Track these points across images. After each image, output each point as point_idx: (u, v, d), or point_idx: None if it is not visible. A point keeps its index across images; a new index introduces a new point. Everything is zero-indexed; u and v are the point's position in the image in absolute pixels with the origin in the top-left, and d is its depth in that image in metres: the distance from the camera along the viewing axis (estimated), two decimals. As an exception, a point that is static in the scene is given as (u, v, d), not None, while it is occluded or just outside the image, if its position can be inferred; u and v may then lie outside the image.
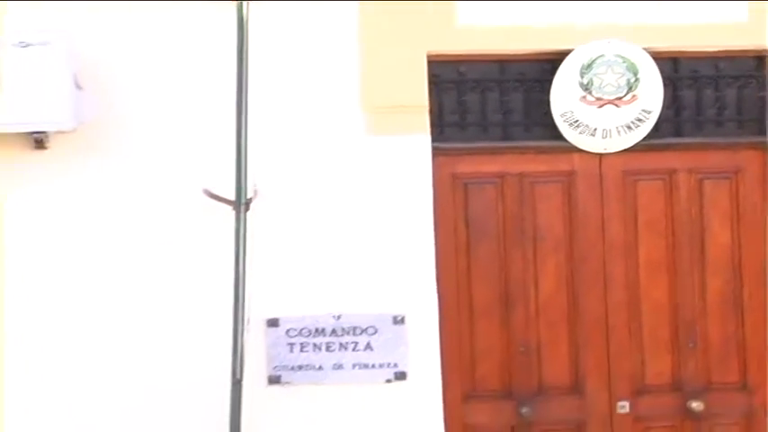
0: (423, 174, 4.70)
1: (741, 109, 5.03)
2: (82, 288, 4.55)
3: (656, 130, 4.90)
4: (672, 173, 4.98)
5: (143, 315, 4.55)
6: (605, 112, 4.84)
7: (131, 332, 4.55)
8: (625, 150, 4.89)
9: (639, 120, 4.86)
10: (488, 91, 4.93)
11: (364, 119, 4.69)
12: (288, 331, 4.62)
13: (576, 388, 4.90)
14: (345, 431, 4.61)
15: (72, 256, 4.56)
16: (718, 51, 4.95)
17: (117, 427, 4.54)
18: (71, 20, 4.52)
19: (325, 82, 4.69)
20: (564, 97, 4.83)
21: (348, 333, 4.64)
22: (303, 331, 4.62)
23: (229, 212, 4.36)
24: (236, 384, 4.27)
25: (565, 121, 4.84)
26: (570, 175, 4.93)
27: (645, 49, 4.83)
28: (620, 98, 4.84)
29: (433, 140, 4.75)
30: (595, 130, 4.85)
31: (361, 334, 4.64)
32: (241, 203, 4.35)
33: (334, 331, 4.64)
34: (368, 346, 4.64)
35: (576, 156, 4.91)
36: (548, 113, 4.86)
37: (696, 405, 4.89)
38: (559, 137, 4.87)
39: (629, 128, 4.86)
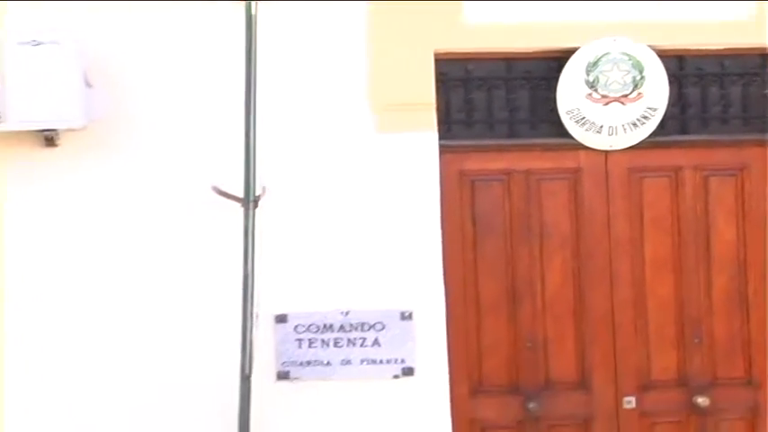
0: (430, 171, 4.72)
1: (746, 106, 5.05)
2: (92, 284, 4.58)
3: (662, 128, 4.92)
4: (677, 170, 5.00)
5: (153, 312, 4.58)
6: (611, 109, 4.85)
7: (141, 328, 4.57)
8: (631, 147, 4.91)
9: (645, 117, 4.88)
10: (495, 89, 4.95)
11: (372, 116, 4.71)
12: (296, 327, 4.64)
13: (582, 383, 4.92)
14: (353, 426, 4.64)
15: (82, 252, 4.58)
16: (724, 49, 4.96)
17: (127, 423, 4.56)
18: (81, 18, 4.53)
19: (334, 80, 4.70)
20: (570, 95, 4.85)
21: (356, 329, 4.66)
22: (311, 327, 4.65)
23: (238, 210, 4.37)
24: (245, 380, 4.29)
25: (571, 118, 4.86)
26: (576, 172, 4.95)
27: (650, 46, 4.84)
28: (625, 95, 4.86)
29: (441, 138, 4.77)
30: (601, 127, 4.87)
31: (368, 330, 4.66)
32: (250, 201, 4.36)
33: (342, 327, 4.66)
34: (375, 342, 4.66)
35: (582, 153, 4.93)
36: (554, 111, 4.88)
37: (702, 400, 4.91)
38: (565, 134, 4.89)
39: (634, 125, 4.88)
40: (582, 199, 4.94)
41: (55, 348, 4.55)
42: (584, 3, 4.81)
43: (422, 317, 4.67)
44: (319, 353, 4.65)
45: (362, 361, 4.66)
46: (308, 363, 4.65)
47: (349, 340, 4.66)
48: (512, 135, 4.96)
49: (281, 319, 4.63)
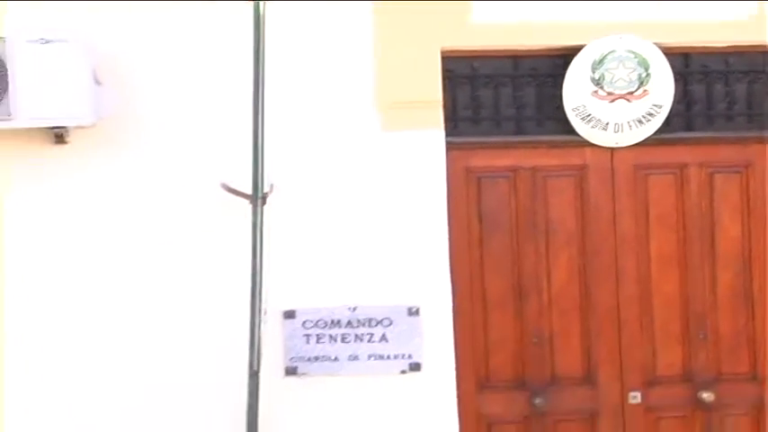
0: (437, 168, 4.73)
1: (751, 103, 5.06)
2: (101, 281, 4.59)
3: (667, 125, 4.93)
4: (683, 167, 5.01)
5: (162, 308, 4.59)
6: (617, 106, 4.87)
7: (150, 325, 4.59)
8: (636, 144, 4.92)
9: (650, 114, 4.89)
10: (501, 86, 4.96)
11: (379, 114, 4.72)
12: (304, 323, 4.66)
13: (588, 379, 4.94)
14: (361, 421, 4.66)
15: (92, 248, 4.60)
16: (729, 47, 4.97)
17: (135, 419, 4.57)
18: (90, 16, 4.54)
19: (340, 78, 4.72)
20: (576, 92, 4.87)
21: (363, 325, 4.67)
22: (319, 323, 4.66)
23: (246, 206, 4.40)
24: (254, 375, 4.32)
25: (577, 115, 4.88)
26: (582, 169, 4.96)
27: (656, 44, 4.86)
28: (631, 93, 4.87)
29: (447, 135, 4.78)
30: (607, 124, 4.89)
31: (376, 325, 4.67)
32: (258, 197, 4.39)
33: (349, 323, 4.67)
34: (383, 338, 4.68)
35: (587, 150, 4.94)
36: (560, 108, 4.90)
37: (707, 396, 4.93)
38: (571, 131, 4.90)
39: (640, 122, 4.90)
40: (588, 196, 4.96)
41: (61, 346, 4.57)
42: (590, 2, 4.82)
43: (429, 313, 4.69)
44: (327, 348, 4.67)
45: (370, 356, 4.68)
46: (316, 358, 4.67)
47: (356, 336, 4.68)
48: (518, 132, 4.98)
49: (289, 314, 4.65)
